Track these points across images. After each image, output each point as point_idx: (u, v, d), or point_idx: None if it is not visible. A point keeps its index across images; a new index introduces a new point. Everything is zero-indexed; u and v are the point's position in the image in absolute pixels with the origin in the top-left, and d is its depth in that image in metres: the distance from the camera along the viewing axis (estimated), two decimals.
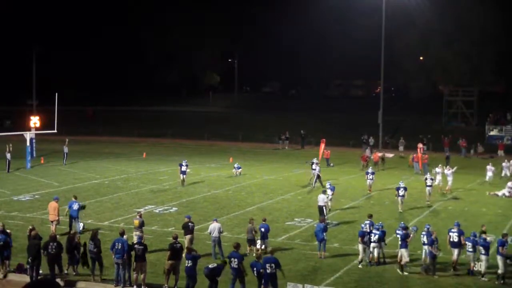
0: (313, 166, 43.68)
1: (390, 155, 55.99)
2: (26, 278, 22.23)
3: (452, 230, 25.51)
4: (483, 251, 23.79)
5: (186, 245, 24.05)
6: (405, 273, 24.08)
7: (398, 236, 24.95)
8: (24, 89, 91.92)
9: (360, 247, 25.03)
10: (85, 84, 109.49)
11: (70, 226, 28.35)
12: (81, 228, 28.43)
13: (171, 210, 34.02)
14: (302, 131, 70.03)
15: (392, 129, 71.56)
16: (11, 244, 23.34)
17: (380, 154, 54.59)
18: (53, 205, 28.62)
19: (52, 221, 28.25)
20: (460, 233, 25.11)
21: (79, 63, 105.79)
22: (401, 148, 64.88)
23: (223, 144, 70.82)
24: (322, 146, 53.66)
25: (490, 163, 47.84)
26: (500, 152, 63.36)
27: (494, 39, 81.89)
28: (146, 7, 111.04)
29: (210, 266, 21.02)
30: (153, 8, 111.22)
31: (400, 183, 35.89)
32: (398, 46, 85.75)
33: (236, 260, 21.18)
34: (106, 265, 23.01)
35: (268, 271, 20.80)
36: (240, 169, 47.56)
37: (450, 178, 41.90)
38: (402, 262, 24.23)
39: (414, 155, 53.09)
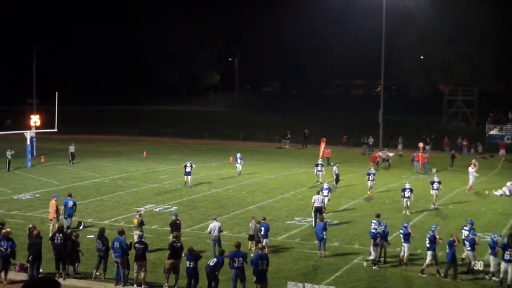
0: (318, 168, 43.76)
1: (390, 154, 55.91)
2: (26, 277, 22.23)
3: (465, 227, 25.75)
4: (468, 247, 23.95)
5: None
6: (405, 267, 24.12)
7: (401, 235, 24.97)
8: (24, 88, 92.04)
9: (372, 248, 24.92)
10: (85, 83, 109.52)
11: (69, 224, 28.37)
12: (69, 224, 28.32)
13: (171, 209, 34.02)
14: (306, 130, 69.94)
15: (392, 129, 71.51)
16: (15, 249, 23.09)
17: (391, 154, 54.43)
18: (51, 203, 28.66)
19: (51, 219, 28.26)
20: (473, 233, 25.30)
21: (79, 62, 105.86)
22: (399, 147, 64.84)
23: (223, 143, 70.85)
24: (323, 145, 53.68)
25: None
26: (502, 151, 63.37)
27: (494, 38, 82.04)
28: (146, 7, 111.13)
29: (211, 263, 21.05)
30: (153, 8, 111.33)
31: (406, 184, 35.35)
32: (399, 45, 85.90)
33: (240, 259, 21.21)
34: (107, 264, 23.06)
35: (259, 268, 20.96)
36: (241, 161, 47.20)
37: (471, 177, 42.00)
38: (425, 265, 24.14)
39: (415, 154, 53.11)
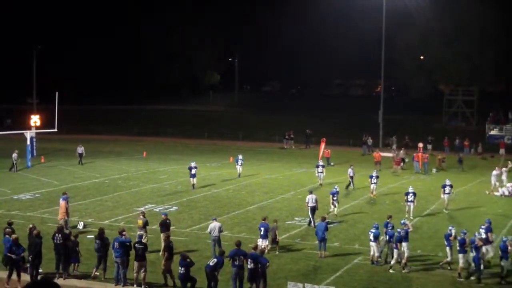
0: (319, 169, 43.52)
1: (390, 154, 55.82)
2: (26, 277, 22.22)
3: (482, 226, 25.90)
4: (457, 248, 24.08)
5: (162, 243, 24.31)
6: (405, 271, 24.13)
7: (398, 234, 24.96)
8: (24, 88, 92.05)
9: (395, 251, 24.88)
10: (85, 83, 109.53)
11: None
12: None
13: (171, 209, 34.01)
14: (307, 131, 69.80)
15: (391, 129, 71.42)
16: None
17: (402, 155, 53.79)
18: (61, 204, 28.69)
19: (59, 220, 28.24)
20: (488, 230, 25.50)
21: (79, 62, 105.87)
22: (394, 147, 64.38)
23: (223, 143, 70.81)
24: (323, 145, 53.63)
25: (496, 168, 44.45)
26: (502, 151, 63.30)
27: (494, 38, 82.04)
28: (147, 7, 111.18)
29: (211, 263, 21.07)
30: (153, 8, 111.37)
31: (409, 188, 34.27)
32: (398, 45, 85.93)
33: (241, 257, 21.29)
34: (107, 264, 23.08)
35: (249, 266, 21.14)
36: (242, 162, 46.82)
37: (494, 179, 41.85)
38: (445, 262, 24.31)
39: (415, 154, 53.03)
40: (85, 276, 23.04)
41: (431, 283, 23.28)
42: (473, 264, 23.67)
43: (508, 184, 41.58)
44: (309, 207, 30.99)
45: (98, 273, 22.85)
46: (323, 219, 26.94)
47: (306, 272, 24.16)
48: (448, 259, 24.64)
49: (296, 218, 32.53)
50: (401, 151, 55.08)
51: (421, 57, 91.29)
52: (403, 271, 24.18)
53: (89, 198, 36.83)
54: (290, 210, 34.92)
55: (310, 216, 30.93)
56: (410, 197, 33.41)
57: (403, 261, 24.50)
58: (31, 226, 23.96)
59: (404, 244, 24.75)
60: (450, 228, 25.68)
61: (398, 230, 25.16)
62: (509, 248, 23.45)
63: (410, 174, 49.75)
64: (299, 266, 24.87)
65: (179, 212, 33.89)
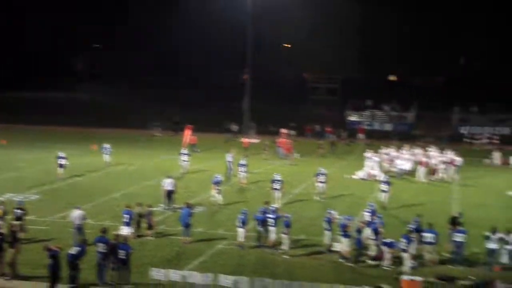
0: (184, 157, 43.25)
1: (255, 140, 56.87)
2: None
3: (366, 210, 27.74)
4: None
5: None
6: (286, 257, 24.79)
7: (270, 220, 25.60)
8: None
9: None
10: None
11: None
12: None
13: (31, 198, 33.12)
14: (174, 119, 70.51)
15: (257, 116, 72.65)
16: None
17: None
18: None
19: None
20: (373, 214, 26.95)
21: None
22: (251, 133, 65.74)
23: (91, 131, 69.00)
24: (188, 132, 53.76)
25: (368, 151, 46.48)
26: (361, 136, 66.48)
27: (358, 30, 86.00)
28: None
29: (73, 252, 20.65)
30: None
31: (275, 175, 34.50)
32: (264, 35, 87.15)
33: (105, 245, 21.12)
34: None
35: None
36: (109, 151, 45.29)
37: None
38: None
39: (278, 140, 54.20)
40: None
41: (297, 265, 23.97)
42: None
43: (365, 168, 43.68)
44: (166, 191, 31.94)
45: None
46: (188, 205, 27.13)
47: (170, 258, 24.26)
48: (327, 243, 25.44)
49: (161, 205, 32.42)
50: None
51: (288, 46, 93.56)
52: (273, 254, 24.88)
53: None
54: (155, 196, 34.69)
55: (166, 199, 31.92)
56: (276, 185, 33.70)
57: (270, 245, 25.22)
58: None
59: (271, 229, 25.47)
60: (330, 211, 26.53)
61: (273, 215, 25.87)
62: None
63: (274, 160, 50.76)
64: (163, 253, 24.92)
65: (40, 200, 33.04)
